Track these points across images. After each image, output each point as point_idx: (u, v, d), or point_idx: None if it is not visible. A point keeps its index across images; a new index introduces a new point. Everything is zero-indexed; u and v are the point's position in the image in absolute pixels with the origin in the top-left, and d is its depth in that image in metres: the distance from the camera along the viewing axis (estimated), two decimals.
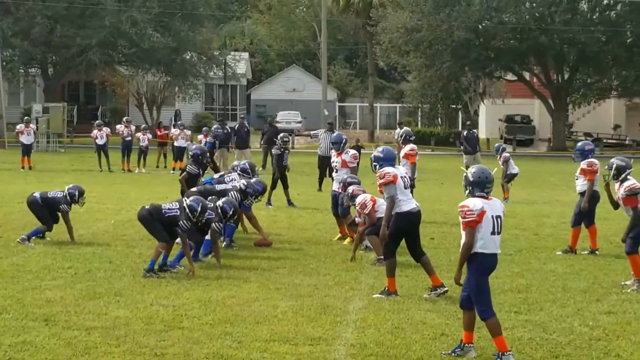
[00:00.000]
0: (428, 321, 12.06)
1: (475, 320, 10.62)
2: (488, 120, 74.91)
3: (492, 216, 10.33)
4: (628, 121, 75.02)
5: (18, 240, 18.12)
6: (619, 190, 15.04)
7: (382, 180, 13.75)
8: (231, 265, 16.11)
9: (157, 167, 41.22)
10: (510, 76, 69.20)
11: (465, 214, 10.29)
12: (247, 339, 11.02)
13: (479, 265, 10.37)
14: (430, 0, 62.43)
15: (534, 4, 62.70)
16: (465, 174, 10.79)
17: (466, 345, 10.42)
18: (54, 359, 10.08)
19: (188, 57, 68.75)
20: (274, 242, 18.67)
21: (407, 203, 13.73)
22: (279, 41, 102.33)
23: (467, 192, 10.59)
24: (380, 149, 14.71)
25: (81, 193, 18.78)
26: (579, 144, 19.38)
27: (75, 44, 62.42)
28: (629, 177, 15.04)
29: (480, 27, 62.36)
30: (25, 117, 46.49)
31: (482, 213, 10.27)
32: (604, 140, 69.02)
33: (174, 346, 10.65)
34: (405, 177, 14.06)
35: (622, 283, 14.75)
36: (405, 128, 27.60)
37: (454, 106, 75.18)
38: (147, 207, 15.85)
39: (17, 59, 66.23)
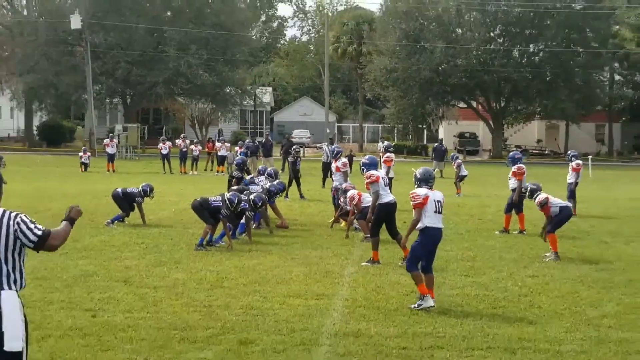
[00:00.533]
0: (402, 282, 12.07)
1: (434, 282, 10.72)
2: (445, 136, 74.70)
3: (434, 200, 10.64)
4: (547, 137, 75.21)
5: (105, 223, 18.18)
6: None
7: (368, 180, 13.89)
8: (259, 241, 16.13)
9: (205, 170, 41.18)
10: (462, 104, 69.34)
11: (414, 198, 10.68)
12: (271, 295, 11.03)
13: (428, 236, 10.63)
14: (404, 49, 62.55)
15: (480, 52, 62.79)
16: (414, 173, 11.14)
17: (425, 296, 10.41)
18: (130, 309, 10.10)
19: (228, 90, 68.88)
20: (290, 224, 18.68)
21: (386, 196, 13.84)
22: (294, 79, 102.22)
23: (416, 185, 10.96)
24: (366, 157, 14.86)
25: (152, 189, 18.87)
26: (510, 153, 19.46)
27: (147, 81, 62.59)
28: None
29: (440, 68, 62.47)
30: (110, 134, 46.58)
31: (426, 197, 10.60)
32: (530, 151, 69.14)
33: (218, 300, 10.67)
34: (385, 177, 14.21)
35: (543, 255, 14.75)
36: (386, 142, 27.69)
37: (421, 126, 75.34)
38: (198, 199, 15.92)
39: (104, 92, 66.39)
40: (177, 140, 42.55)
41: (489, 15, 63.58)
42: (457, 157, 30.42)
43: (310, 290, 11.44)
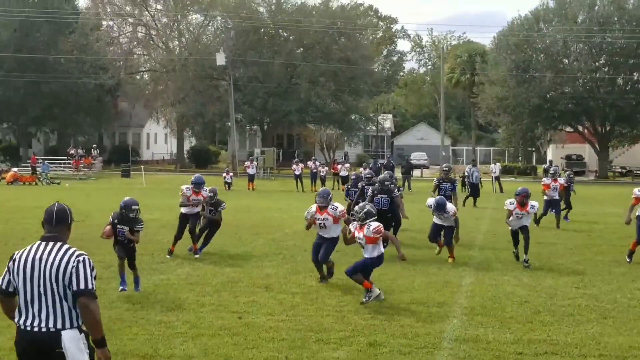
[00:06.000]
0: (516, 292, 11.82)
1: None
2: (554, 158, 72.84)
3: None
4: None
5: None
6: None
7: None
8: None
9: (332, 189, 41.50)
10: (568, 129, 67.57)
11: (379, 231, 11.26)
12: (396, 302, 10.97)
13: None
14: (514, 79, 61.48)
15: (585, 80, 61.02)
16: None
17: (371, 289, 10.95)
18: (272, 312, 10.27)
19: (353, 117, 69.23)
20: (414, 239, 18.53)
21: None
22: (412, 107, 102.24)
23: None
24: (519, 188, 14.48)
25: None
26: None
27: (282, 110, 63.65)
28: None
29: (548, 96, 61.07)
30: (250, 157, 47.70)
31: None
32: (634, 172, 66.71)
33: (348, 305, 10.67)
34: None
35: None
36: (554, 166, 25.46)
37: (530, 149, 73.82)
38: None
39: (245, 120, 67.93)
40: (308, 162, 43.10)
41: (595, 46, 61.70)
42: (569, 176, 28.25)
43: (431, 298, 11.34)
